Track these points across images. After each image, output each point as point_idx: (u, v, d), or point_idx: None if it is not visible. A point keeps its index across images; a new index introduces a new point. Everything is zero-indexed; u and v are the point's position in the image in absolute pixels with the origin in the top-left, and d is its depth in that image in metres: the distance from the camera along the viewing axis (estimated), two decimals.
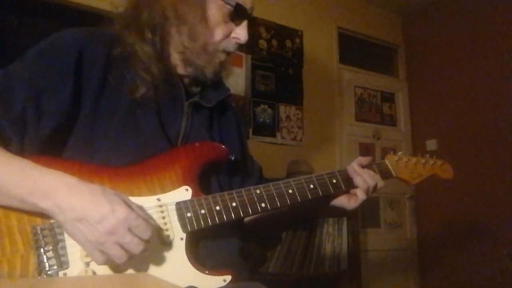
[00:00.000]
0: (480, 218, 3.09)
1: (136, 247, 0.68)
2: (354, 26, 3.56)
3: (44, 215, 0.71)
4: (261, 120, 2.91)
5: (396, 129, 3.69)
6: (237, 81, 2.81)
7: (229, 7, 0.89)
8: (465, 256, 3.16)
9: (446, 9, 3.51)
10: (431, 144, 3.51)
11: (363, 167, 0.99)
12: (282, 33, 3.12)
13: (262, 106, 2.94)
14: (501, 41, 3.09)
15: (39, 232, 0.71)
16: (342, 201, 0.99)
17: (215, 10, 0.89)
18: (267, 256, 2.32)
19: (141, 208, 0.74)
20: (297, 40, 3.20)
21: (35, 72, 0.79)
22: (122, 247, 0.68)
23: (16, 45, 2.24)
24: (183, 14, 0.88)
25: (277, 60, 3.07)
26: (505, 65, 3.06)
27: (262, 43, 3.02)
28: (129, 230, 0.68)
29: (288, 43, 3.15)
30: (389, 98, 3.70)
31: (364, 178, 0.97)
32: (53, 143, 0.80)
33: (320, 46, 3.32)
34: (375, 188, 0.98)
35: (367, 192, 0.97)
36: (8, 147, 0.74)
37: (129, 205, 0.70)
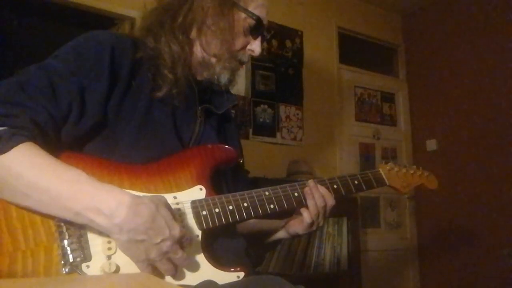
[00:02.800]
0: (480, 218, 3.09)
1: (184, 260, 0.75)
2: (354, 26, 3.56)
3: None
4: (261, 120, 2.91)
5: (396, 129, 3.69)
6: (237, 81, 2.80)
7: (250, 20, 0.97)
8: (465, 256, 3.16)
9: (446, 9, 3.51)
10: (431, 144, 3.51)
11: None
12: (282, 33, 3.12)
13: (262, 106, 2.94)
14: (501, 40, 3.09)
15: (62, 224, 0.73)
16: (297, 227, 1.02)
17: (239, 22, 0.96)
18: (265, 256, 2.32)
19: (179, 213, 0.79)
20: (297, 40, 3.20)
21: (75, 70, 0.80)
22: (172, 262, 0.73)
23: (16, 45, 2.24)
24: (215, 21, 0.93)
25: (277, 60, 3.07)
26: (505, 65, 3.06)
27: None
28: (180, 246, 0.73)
29: (288, 43, 3.15)
30: (389, 98, 3.70)
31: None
32: (79, 140, 0.82)
33: (320, 46, 3.32)
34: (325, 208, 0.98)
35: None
36: (47, 144, 0.73)
37: (175, 217, 0.74)
